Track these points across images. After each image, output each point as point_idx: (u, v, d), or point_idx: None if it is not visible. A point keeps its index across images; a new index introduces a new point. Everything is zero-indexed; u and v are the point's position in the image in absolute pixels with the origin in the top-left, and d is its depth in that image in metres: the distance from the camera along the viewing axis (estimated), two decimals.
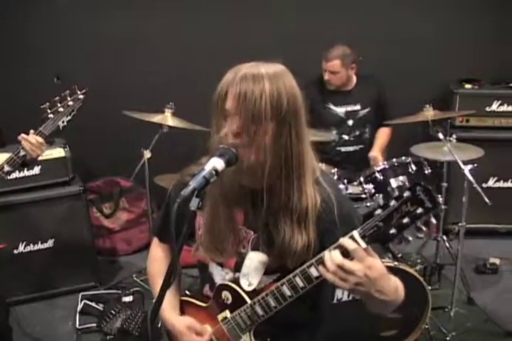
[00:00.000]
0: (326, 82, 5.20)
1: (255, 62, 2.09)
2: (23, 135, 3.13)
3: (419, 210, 1.87)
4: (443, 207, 4.78)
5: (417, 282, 3.96)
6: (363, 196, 4.51)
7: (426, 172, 4.61)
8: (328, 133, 5.11)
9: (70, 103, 3.11)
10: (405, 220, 1.87)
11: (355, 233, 1.88)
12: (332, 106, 5.24)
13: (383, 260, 3.83)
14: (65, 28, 5.70)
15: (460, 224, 4.46)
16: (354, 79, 5.28)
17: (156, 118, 4.60)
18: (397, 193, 4.49)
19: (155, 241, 2.67)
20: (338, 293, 3.91)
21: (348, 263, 1.86)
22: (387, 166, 4.60)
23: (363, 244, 1.87)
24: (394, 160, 4.63)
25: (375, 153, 5.16)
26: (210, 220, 2.26)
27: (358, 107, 5.26)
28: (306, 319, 2.41)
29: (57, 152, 4.99)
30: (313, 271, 1.99)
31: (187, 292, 4.54)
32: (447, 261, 5.12)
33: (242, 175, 2.10)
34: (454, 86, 5.88)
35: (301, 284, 2.05)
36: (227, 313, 2.32)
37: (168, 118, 4.60)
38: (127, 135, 5.51)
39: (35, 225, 4.93)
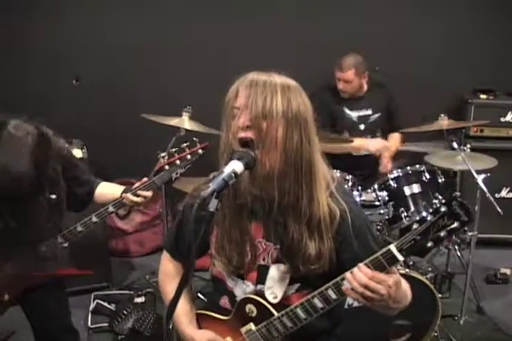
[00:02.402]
0: (339, 91, 5.24)
1: (268, 70, 2.14)
2: (128, 196, 3.12)
3: (456, 224, 1.93)
4: None
5: (427, 290, 3.97)
6: (377, 203, 4.53)
7: (439, 181, 4.64)
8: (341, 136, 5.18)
9: (188, 157, 3.04)
10: (442, 234, 1.93)
11: (392, 247, 1.94)
12: (346, 110, 5.28)
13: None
14: (84, 31, 5.74)
15: (472, 234, 4.49)
16: (365, 85, 5.33)
17: (173, 122, 4.61)
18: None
19: (166, 255, 2.67)
20: (349, 299, 3.92)
21: (373, 285, 1.92)
22: (401, 174, 4.62)
23: (401, 257, 1.93)
24: (408, 168, 4.65)
25: (385, 161, 5.19)
26: (224, 233, 2.29)
27: (369, 112, 5.30)
28: (327, 324, 2.45)
29: (75, 153, 5.02)
30: (346, 283, 2.02)
31: (199, 295, 4.59)
32: (458, 270, 5.14)
33: (256, 182, 2.12)
34: (469, 96, 5.90)
35: (334, 296, 2.08)
36: (251, 326, 2.33)
37: (185, 122, 4.61)
38: (144, 137, 5.55)
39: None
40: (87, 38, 5.76)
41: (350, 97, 5.28)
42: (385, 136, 5.39)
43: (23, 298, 3.30)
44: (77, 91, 5.71)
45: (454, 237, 4.94)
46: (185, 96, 5.38)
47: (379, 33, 5.88)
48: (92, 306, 4.92)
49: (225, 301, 2.45)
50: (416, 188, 4.59)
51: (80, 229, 3.17)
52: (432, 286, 4.02)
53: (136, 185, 3.16)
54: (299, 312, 2.18)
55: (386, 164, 5.12)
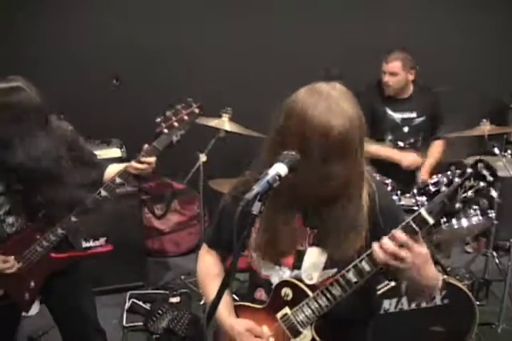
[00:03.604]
0: (384, 86, 5.20)
1: (323, 82, 2.14)
2: (132, 164, 3.11)
3: (482, 184, 1.98)
4: (495, 222, 4.69)
5: (465, 296, 3.93)
6: (416, 208, 4.49)
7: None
8: (383, 143, 5.17)
9: (185, 118, 3.04)
10: (469, 194, 1.98)
11: (423, 210, 1.98)
12: (390, 112, 5.23)
13: None
14: (124, 33, 5.80)
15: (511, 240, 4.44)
16: (411, 87, 5.28)
17: (213, 123, 4.62)
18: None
19: (205, 247, 2.71)
20: (385, 304, 3.91)
21: (399, 252, 1.97)
22: (441, 179, 4.58)
23: (431, 220, 1.97)
24: (448, 173, 4.61)
25: (424, 174, 5.15)
26: (267, 222, 2.31)
27: (414, 115, 5.25)
28: (362, 315, 2.49)
29: (114, 152, 5.06)
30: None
31: (234, 296, 4.59)
32: (495, 277, 5.08)
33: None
34: (510, 101, 5.84)
35: (367, 268, 2.11)
36: (287, 310, 2.36)
37: (225, 123, 4.62)
38: (183, 138, 5.56)
39: (88, 223, 4.98)
40: (126, 37, 5.80)
41: (394, 95, 5.23)
42: (427, 141, 5.35)
43: (47, 292, 3.35)
44: (117, 90, 5.75)
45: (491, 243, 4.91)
46: (225, 97, 5.39)
47: (419, 35, 5.87)
48: (127, 305, 4.97)
49: (260, 293, 2.49)
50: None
51: (90, 205, 3.16)
52: (469, 293, 3.97)
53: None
54: (334, 289, 2.20)
55: (424, 174, 5.10)
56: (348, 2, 5.94)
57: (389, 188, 4.53)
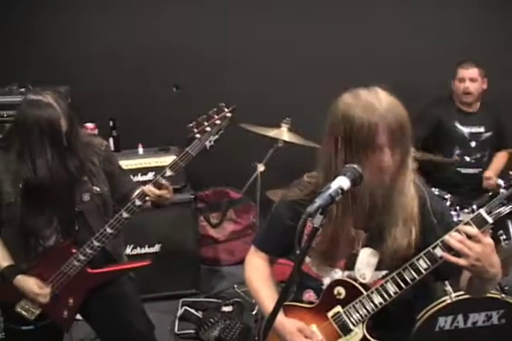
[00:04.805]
0: (463, 93, 5.17)
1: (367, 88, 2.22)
2: (149, 188, 3.08)
3: None
4: None
5: None
6: None
7: None
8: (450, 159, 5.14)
9: (218, 122, 3.01)
10: None
11: (482, 211, 2.10)
12: (458, 126, 5.20)
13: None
14: (185, 41, 5.85)
15: None
16: (478, 102, 5.26)
17: (272, 133, 4.61)
18: None
19: (253, 249, 2.77)
20: (441, 322, 3.86)
21: (469, 242, 2.06)
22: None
23: (490, 220, 2.08)
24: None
25: (490, 173, 5.07)
26: (324, 228, 2.28)
27: (481, 129, 5.22)
28: (405, 318, 2.57)
29: (171, 159, 5.07)
30: (438, 251, 2.17)
31: None
32: None
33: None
34: None
35: (424, 266, 2.21)
36: (338, 308, 2.42)
37: (283, 133, 4.61)
38: (241, 147, 5.56)
39: (144, 229, 5.04)
40: (186, 44, 5.85)
41: (463, 111, 5.23)
42: (493, 155, 5.30)
43: (85, 308, 3.31)
44: (176, 97, 5.77)
45: None
46: (286, 107, 5.37)
47: (481, 50, 5.80)
48: (179, 312, 4.98)
49: (309, 294, 2.55)
50: None
51: (125, 215, 3.10)
52: None
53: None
54: (389, 286, 2.29)
55: (489, 173, 5.03)
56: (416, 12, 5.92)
57: (448, 203, 4.49)
